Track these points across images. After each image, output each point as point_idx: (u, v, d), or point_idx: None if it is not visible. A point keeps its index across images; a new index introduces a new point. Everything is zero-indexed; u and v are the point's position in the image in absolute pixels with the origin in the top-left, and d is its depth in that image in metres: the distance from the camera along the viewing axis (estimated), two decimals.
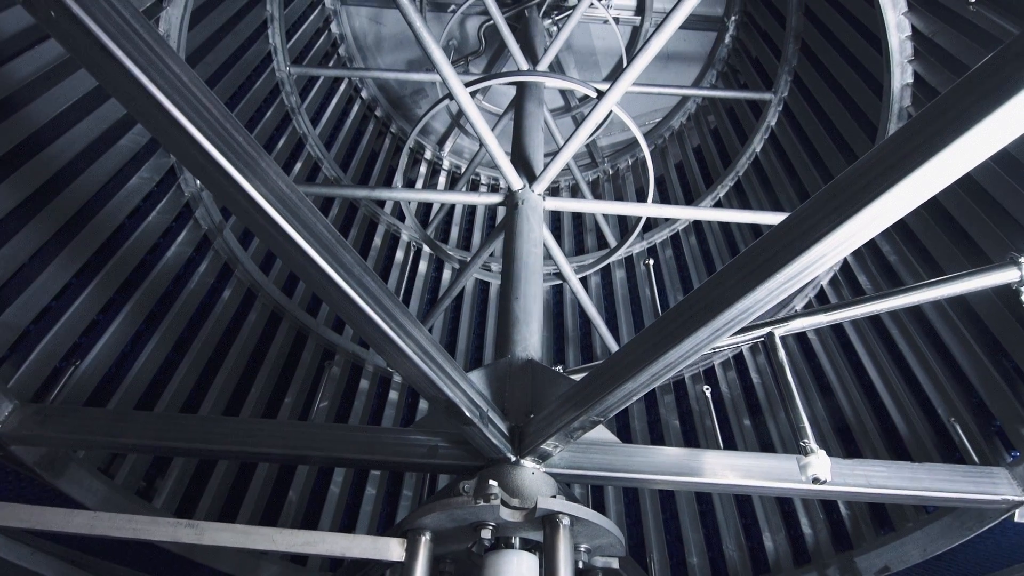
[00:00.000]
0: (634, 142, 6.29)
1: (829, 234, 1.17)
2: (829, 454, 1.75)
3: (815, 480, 1.63)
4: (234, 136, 1.21)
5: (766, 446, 3.49)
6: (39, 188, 2.18)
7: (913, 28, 2.98)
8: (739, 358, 4.00)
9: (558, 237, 6.06)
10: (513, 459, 1.95)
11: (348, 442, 1.98)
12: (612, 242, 5.71)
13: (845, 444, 3.10)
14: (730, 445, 3.64)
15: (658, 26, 2.49)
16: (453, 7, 5.18)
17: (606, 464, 2.05)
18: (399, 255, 5.26)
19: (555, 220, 6.19)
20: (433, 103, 3.35)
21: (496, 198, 3.21)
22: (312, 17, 5.00)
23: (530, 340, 2.39)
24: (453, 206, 6.07)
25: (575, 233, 6.02)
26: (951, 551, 2.35)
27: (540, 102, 3.93)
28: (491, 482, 1.78)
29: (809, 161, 4.01)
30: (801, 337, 3.69)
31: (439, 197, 3.46)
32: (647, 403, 4.35)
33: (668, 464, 2.06)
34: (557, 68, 5.54)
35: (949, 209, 2.70)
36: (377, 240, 5.12)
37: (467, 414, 1.76)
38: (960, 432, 2.34)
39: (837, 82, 3.82)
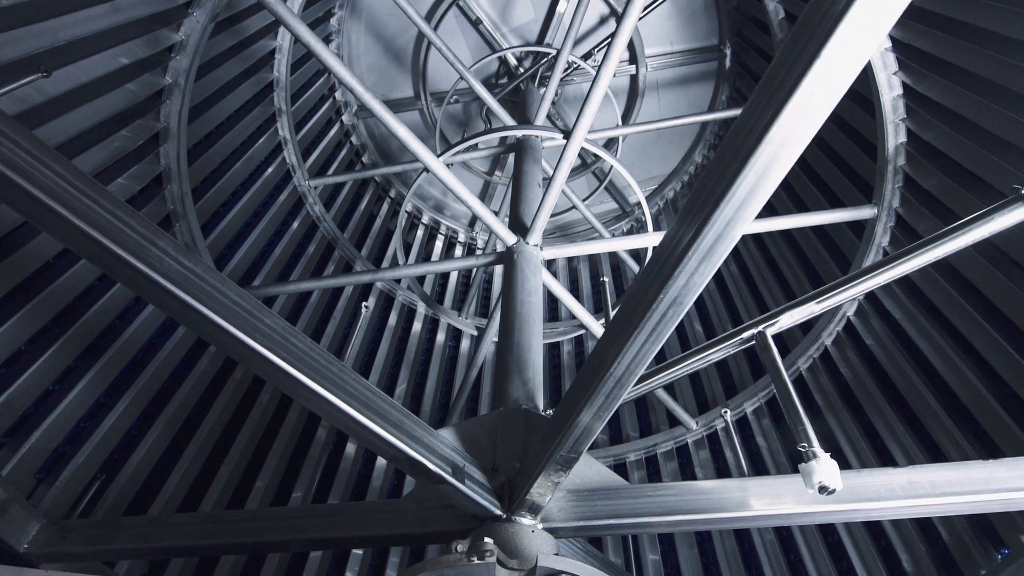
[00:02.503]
0: (659, 188, 6.23)
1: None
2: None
3: (822, 489, 1.38)
4: (127, 222, 1.29)
5: None
6: (57, 315, 2.41)
7: None
8: (799, 381, 3.61)
9: (597, 296, 5.95)
10: (503, 516, 1.81)
11: (334, 521, 1.92)
12: None
13: (931, 453, 2.66)
14: None
15: (600, 66, 2.53)
16: (455, 97, 5.54)
17: (611, 511, 1.86)
18: (440, 337, 5.33)
19: (595, 283, 6.13)
20: (420, 171, 3.50)
21: (492, 257, 3.21)
22: (332, 133, 5.47)
23: (523, 389, 2.28)
24: (490, 283, 6.18)
25: (615, 290, 5.90)
26: None
27: (535, 162, 4.00)
28: (486, 539, 1.65)
29: (826, 157, 3.78)
30: (861, 346, 3.31)
31: (438, 267, 3.52)
32: (712, 449, 3.99)
33: (682, 502, 1.83)
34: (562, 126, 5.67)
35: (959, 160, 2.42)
36: (417, 325, 5.24)
37: (433, 470, 1.67)
38: None
39: None
